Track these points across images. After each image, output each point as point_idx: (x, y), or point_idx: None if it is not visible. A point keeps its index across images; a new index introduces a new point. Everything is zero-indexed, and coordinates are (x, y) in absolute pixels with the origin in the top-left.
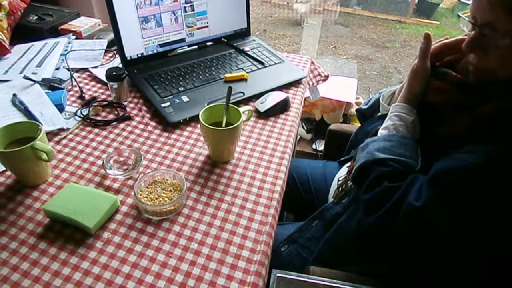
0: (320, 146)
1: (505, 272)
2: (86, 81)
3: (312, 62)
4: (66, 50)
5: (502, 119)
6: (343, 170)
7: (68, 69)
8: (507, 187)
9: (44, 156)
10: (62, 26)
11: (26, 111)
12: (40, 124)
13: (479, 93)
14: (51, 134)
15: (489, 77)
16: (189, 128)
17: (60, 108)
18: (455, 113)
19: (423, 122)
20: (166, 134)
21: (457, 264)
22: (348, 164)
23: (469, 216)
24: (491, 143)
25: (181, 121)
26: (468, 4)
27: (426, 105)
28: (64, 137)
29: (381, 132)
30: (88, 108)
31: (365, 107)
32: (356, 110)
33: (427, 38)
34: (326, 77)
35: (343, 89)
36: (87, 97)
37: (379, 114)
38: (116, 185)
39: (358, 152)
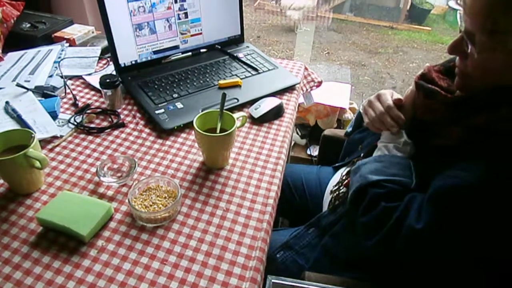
0: (314, 151)
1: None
2: (79, 88)
3: (306, 68)
4: (59, 57)
5: (493, 131)
6: (337, 176)
7: (62, 77)
8: (506, 203)
9: (37, 164)
10: (56, 34)
11: (19, 119)
12: (33, 132)
13: (469, 107)
14: (44, 142)
15: (469, 82)
16: (183, 135)
17: (54, 115)
18: (447, 126)
19: (415, 136)
20: (160, 140)
21: (458, 275)
22: (342, 170)
23: (471, 234)
24: (486, 158)
25: (175, 127)
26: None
27: (418, 120)
28: (58, 145)
29: (374, 154)
30: (81, 116)
31: (351, 129)
32: (345, 135)
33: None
34: (320, 83)
35: (337, 94)
36: (80, 104)
37: (365, 124)
38: (110, 193)
39: (351, 175)
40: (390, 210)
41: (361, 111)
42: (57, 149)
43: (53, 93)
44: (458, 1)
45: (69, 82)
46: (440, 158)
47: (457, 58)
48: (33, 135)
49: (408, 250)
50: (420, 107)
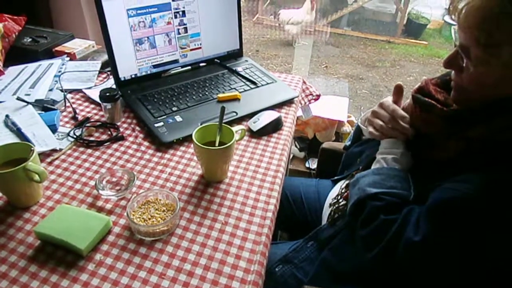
0: (313, 164)
1: None
2: (79, 102)
3: (304, 82)
4: (60, 71)
5: (490, 142)
6: (336, 189)
7: (62, 90)
8: (504, 214)
9: (36, 177)
10: (56, 48)
11: (18, 132)
12: (32, 145)
13: (466, 120)
14: (43, 155)
15: (466, 95)
16: (182, 148)
17: (53, 128)
18: (444, 139)
19: (414, 148)
20: (159, 154)
21: (456, 284)
22: (341, 183)
23: (470, 245)
24: (484, 170)
25: (175, 140)
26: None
27: (416, 133)
28: (57, 158)
29: (372, 166)
30: (81, 129)
31: (349, 142)
32: (343, 149)
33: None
34: (318, 96)
35: (335, 107)
36: (80, 117)
37: (364, 137)
38: (108, 206)
39: (350, 188)
40: (388, 223)
41: (360, 124)
42: (56, 162)
43: (53, 107)
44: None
45: (69, 95)
46: (438, 170)
47: (453, 72)
48: (32, 149)
49: (406, 263)
50: (418, 120)
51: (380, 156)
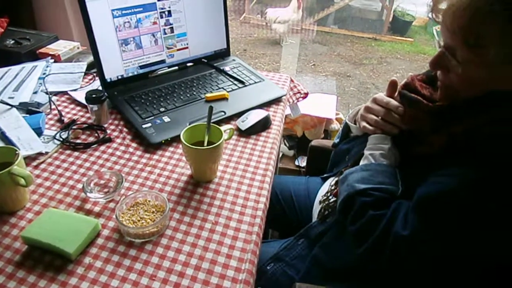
0: (302, 162)
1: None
2: (65, 104)
3: (292, 80)
4: (44, 73)
5: (475, 137)
6: (325, 187)
7: (47, 93)
8: (488, 206)
9: (22, 181)
10: (40, 50)
11: (3, 136)
12: (17, 149)
13: (451, 115)
14: (29, 159)
15: (453, 93)
16: (171, 149)
17: (39, 132)
18: (430, 134)
19: (401, 144)
20: (147, 155)
21: (446, 279)
22: (331, 180)
23: (456, 237)
24: (468, 164)
25: (163, 141)
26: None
27: (403, 129)
28: (43, 162)
29: (360, 163)
30: (67, 131)
31: (338, 140)
32: (332, 146)
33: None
34: (306, 94)
35: (323, 105)
36: (66, 120)
37: (352, 134)
38: (97, 209)
39: (339, 185)
40: (377, 218)
41: (348, 121)
42: (42, 166)
43: (38, 110)
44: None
45: (54, 98)
46: (425, 165)
47: (439, 71)
48: (17, 152)
49: (396, 257)
50: (405, 116)
51: (368, 152)
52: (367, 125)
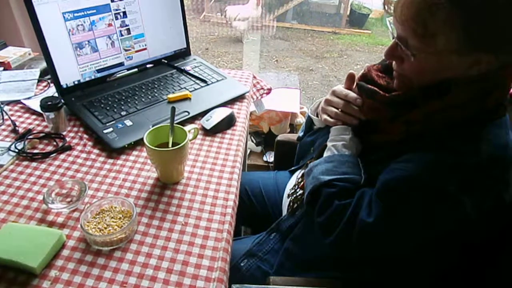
0: (270, 157)
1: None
2: (19, 113)
3: (254, 77)
4: None
5: (431, 124)
6: (293, 180)
7: None
8: (445, 188)
9: None
10: None
11: None
12: None
13: (407, 104)
14: None
15: (408, 82)
16: (135, 152)
17: None
18: (389, 123)
19: (362, 133)
20: (111, 160)
21: (413, 262)
22: (298, 173)
23: (419, 220)
24: (425, 149)
25: (126, 146)
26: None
27: (363, 119)
28: None
29: (324, 154)
30: (23, 142)
31: (302, 133)
32: (297, 139)
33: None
34: (269, 90)
35: (287, 100)
36: (21, 130)
37: (315, 127)
38: (60, 220)
39: (305, 177)
40: (343, 208)
41: (310, 114)
42: None
43: None
44: (389, 11)
45: (6, 107)
46: (385, 153)
47: (394, 62)
48: None
49: (362, 244)
50: (363, 107)
51: (330, 144)
52: (328, 118)
